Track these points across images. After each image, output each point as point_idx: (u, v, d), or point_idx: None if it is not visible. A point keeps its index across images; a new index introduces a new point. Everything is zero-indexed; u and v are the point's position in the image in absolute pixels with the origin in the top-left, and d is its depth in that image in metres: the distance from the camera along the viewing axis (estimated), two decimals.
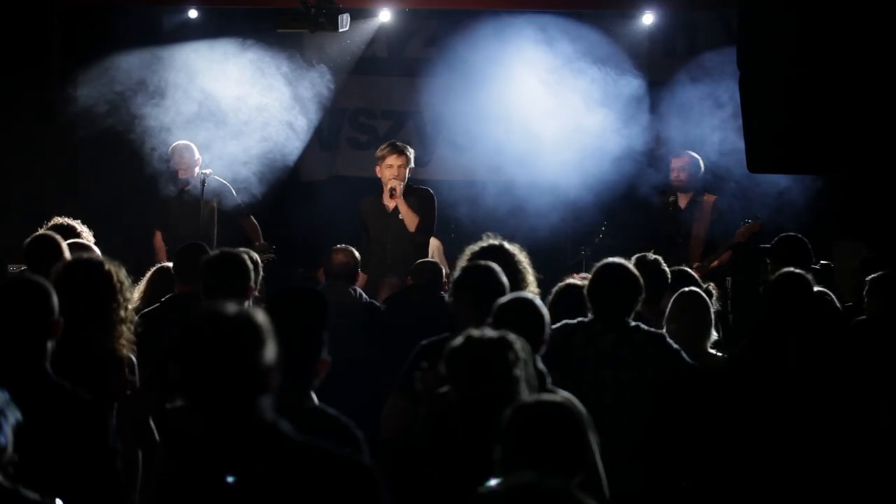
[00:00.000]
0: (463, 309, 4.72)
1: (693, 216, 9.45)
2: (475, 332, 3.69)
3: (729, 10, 10.25)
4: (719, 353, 5.93)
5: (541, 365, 4.28)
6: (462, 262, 5.37)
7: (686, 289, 6.01)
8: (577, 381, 4.98)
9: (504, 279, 4.83)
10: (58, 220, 6.76)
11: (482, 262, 4.97)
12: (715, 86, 9.85)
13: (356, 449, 3.57)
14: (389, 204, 8.58)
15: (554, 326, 5.29)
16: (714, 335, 5.99)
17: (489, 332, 3.70)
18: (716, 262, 9.16)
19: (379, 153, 8.65)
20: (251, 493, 2.66)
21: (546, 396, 3.38)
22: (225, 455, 2.65)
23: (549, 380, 4.27)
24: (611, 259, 5.37)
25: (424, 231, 8.58)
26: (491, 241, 5.56)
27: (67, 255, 5.73)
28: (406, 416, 4.57)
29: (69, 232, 6.59)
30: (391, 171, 8.51)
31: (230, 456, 2.65)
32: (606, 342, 5.17)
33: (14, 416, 2.88)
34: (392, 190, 8.49)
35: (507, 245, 5.48)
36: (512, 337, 3.67)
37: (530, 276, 5.46)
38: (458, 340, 3.68)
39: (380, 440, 4.61)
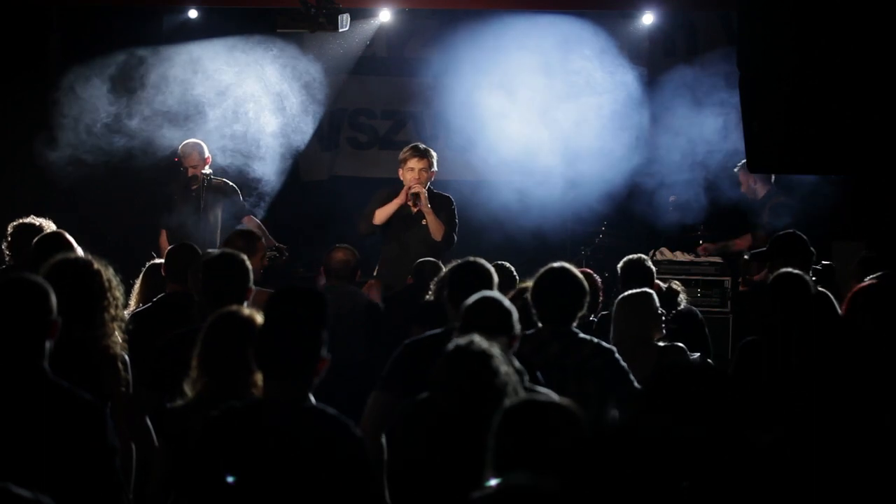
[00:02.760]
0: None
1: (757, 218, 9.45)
2: (462, 342, 3.71)
3: (729, 10, 10.26)
4: (662, 343, 5.97)
5: (517, 363, 4.29)
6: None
7: (630, 291, 6.03)
8: None
9: (493, 272, 4.92)
10: (26, 220, 6.71)
11: (477, 260, 5.02)
12: (715, 86, 9.85)
13: (356, 448, 3.57)
14: (413, 207, 8.55)
15: None
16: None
17: (475, 342, 3.71)
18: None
19: (401, 155, 8.62)
20: None
21: (535, 396, 3.39)
22: None
23: (526, 378, 4.27)
24: (555, 264, 5.27)
25: (449, 240, 8.52)
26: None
27: None
28: (388, 415, 4.58)
29: (34, 230, 6.53)
30: (412, 175, 8.46)
31: None
32: (551, 352, 5.08)
33: None
34: (416, 196, 8.42)
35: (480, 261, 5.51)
36: (494, 348, 3.71)
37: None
38: (448, 349, 3.70)
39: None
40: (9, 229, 6.67)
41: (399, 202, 8.46)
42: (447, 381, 3.71)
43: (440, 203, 8.62)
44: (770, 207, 9.24)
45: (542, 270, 5.23)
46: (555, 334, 5.11)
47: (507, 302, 4.38)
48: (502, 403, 3.54)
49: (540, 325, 5.19)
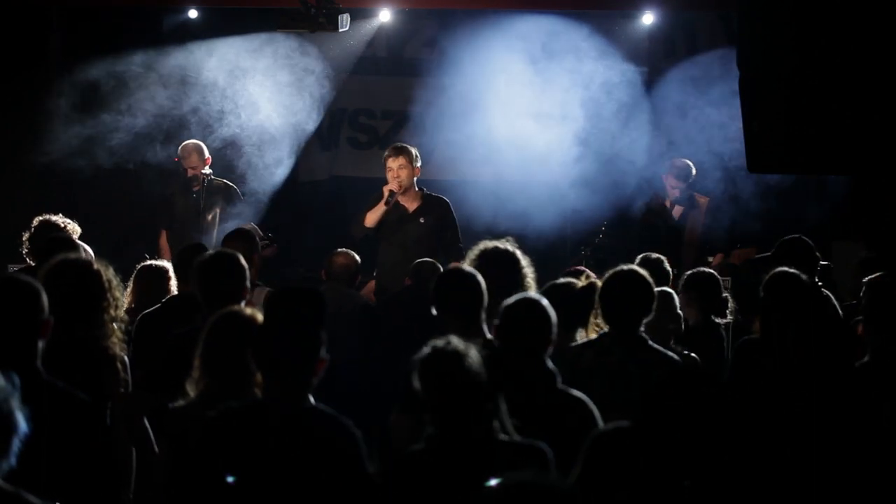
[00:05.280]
0: (447, 317, 4.74)
1: (687, 221, 9.55)
2: (439, 344, 3.69)
3: (729, 10, 10.26)
4: (692, 354, 5.89)
5: (550, 365, 4.28)
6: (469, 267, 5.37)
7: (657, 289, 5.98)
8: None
9: (481, 281, 4.81)
10: (43, 217, 6.74)
11: (462, 268, 4.98)
12: (714, 86, 9.86)
13: (354, 448, 3.57)
14: (409, 206, 8.50)
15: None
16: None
17: (452, 343, 3.68)
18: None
19: (383, 156, 8.61)
20: None
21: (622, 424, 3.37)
22: None
23: (559, 379, 4.27)
24: (623, 266, 5.22)
25: (454, 242, 8.44)
26: (488, 243, 5.54)
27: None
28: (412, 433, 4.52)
29: (55, 229, 6.57)
30: (391, 175, 8.42)
31: None
32: (614, 358, 5.03)
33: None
34: (392, 193, 8.37)
35: (505, 247, 5.46)
36: (471, 349, 3.69)
37: (530, 278, 5.48)
38: (423, 353, 3.68)
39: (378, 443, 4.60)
40: (33, 222, 6.71)
41: (383, 207, 8.40)
42: (423, 382, 3.68)
43: (436, 207, 8.55)
44: (705, 215, 9.45)
45: (610, 273, 5.18)
46: (619, 340, 5.04)
47: (546, 304, 4.36)
48: (480, 405, 3.56)
49: (606, 329, 5.14)
